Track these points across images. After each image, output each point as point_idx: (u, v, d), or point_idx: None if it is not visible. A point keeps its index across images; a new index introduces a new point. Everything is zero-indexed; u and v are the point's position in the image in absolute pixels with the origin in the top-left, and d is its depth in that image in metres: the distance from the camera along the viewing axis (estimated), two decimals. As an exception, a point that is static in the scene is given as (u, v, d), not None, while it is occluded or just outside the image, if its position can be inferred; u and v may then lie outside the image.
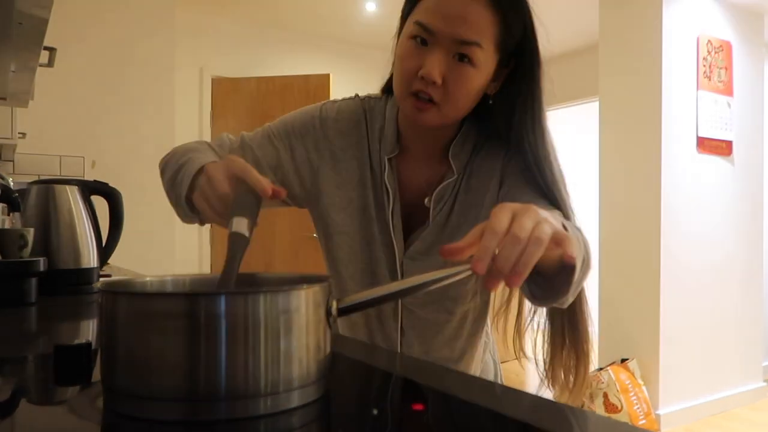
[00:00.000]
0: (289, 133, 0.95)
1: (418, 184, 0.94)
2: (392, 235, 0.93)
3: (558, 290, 0.73)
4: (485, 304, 1.01)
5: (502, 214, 0.57)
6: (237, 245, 0.60)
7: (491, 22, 0.80)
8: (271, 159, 0.93)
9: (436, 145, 0.93)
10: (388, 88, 0.95)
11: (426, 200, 0.93)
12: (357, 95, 1.00)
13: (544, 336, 0.93)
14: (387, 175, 0.92)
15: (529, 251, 0.56)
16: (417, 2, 0.83)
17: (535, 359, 0.93)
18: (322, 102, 0.99)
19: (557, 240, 0.59)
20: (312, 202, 0.98)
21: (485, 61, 0.82)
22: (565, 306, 0.78)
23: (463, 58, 0.80)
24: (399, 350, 0.97)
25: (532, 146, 0.86)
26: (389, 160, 0.92)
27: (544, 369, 0.92)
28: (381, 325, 0.98)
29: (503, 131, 0.90)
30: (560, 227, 0.61)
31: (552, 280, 0.72)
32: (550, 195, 0.85)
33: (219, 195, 0.68)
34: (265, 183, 0.64)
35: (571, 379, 0.91)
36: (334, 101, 0.99)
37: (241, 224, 0.61)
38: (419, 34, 0.81)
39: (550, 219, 0.59)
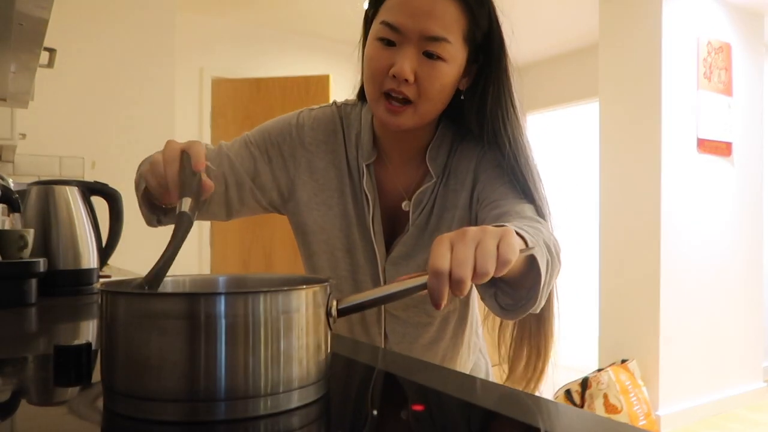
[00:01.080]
0: (266, 140, 0.95)
1: (397, 189, 0.94)
2: (373, 241, 0.92)
3: (528, 297, 0.71)
4: (465, 305, 1.00)
5: (441, 246, 0.55)
6: (183, 224, 0.62)
7: (458, 15, 0.80)
8: (249, 166, 0.93)
9: (413, 149, 0.93)
10: (362, 95, 0.95)
11: (404, 204, 0.92)
12: (334, 102, 1.00)
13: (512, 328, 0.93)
14: (365, 182, 0.92)
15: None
16: (380, 4, 0.83)
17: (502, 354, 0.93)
18: (299, 110, 0.99)
19: (503, 261, 0.56)
20: (290, 209, 0.98)
21: (455, 55, 0.82)
22: (538, 311, 0.76)
23: (432, 56, 0.80)
24: None
25: (505, 136, 0.86)
26: (367, 166, 0.92)
27: (507, 360, 0.92)
28: (365, 331, 0.98)
29: (476, 126, 0.90)
30: (508, 243, 0.57)
31: (519, 285, 0.71)
32: (524, 187, 0.85)
33: (168, 159, 0.68)
34: (202, 160, 0.66)
35: (529, 373, 0.90)
36: (311, 109, 0.99)
37: (187, 205, 0.64)
38: (386, 35, 0.81)
39: (488, 238, 0.56)
